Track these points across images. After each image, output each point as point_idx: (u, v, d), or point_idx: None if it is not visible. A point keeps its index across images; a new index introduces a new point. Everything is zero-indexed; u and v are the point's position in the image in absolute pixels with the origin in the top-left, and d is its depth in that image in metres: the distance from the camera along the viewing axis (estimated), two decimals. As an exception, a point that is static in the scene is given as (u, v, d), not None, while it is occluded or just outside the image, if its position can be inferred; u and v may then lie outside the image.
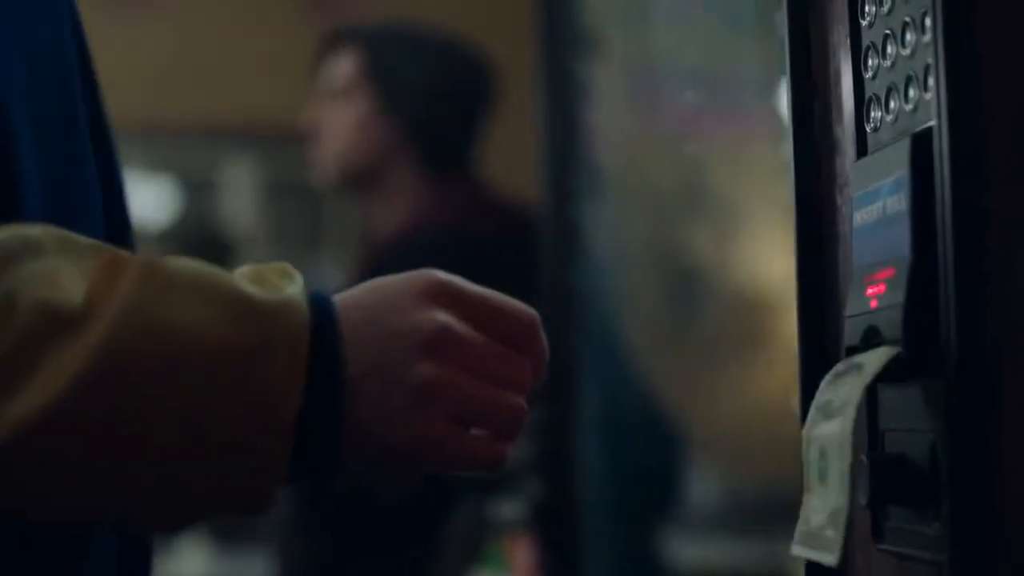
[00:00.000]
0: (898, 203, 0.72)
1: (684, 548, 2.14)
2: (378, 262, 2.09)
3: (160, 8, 5.32)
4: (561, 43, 2.05)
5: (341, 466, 0.78)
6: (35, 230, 0.76)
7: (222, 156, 5.73)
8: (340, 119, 2.19)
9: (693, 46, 2.10)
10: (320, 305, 0.78)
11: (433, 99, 2.20)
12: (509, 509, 1.98)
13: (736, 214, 2.11)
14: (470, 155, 2.24)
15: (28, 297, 0.72)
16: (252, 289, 0.76)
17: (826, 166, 0.85)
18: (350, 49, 2.22)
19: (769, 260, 2.02)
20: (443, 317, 0.78)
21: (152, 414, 0.73)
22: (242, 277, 0.77)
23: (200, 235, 4.89)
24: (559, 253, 2.01)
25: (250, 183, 5.71)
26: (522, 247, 2.07)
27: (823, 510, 0.70)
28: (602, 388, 2.04)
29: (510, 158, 2.24)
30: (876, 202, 0.75)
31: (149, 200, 5.36)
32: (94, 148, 0.90)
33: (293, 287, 0.77)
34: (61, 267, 0.74)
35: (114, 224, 0.91)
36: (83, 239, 0.77)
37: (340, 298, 0.80)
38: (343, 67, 2.22)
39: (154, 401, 0.73)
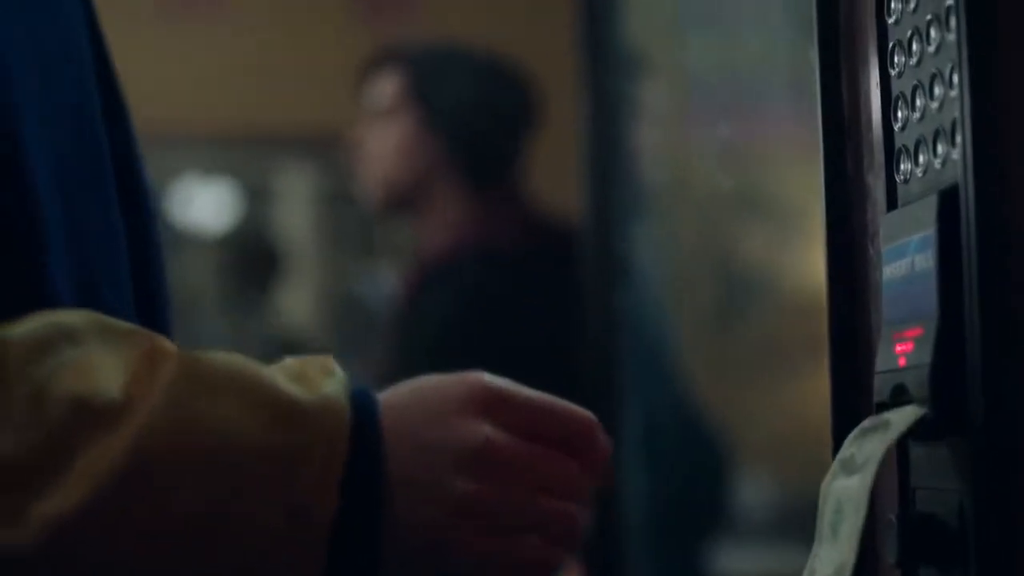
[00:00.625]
0: (926, 260, 0.72)
1: (734, 560, 2.14)
2: (424, 281, 2.10)
3: (220, 16, 5.35)
4: (604, 60, 2.05)
5: (379, 568, 0.76)
6: (72, 316, 0.75)
7: (278, 163, 5.76)
8: (384, 138, 2.20)
9: (736, 59, 2.10)
10: (362, 404, 0.76)
11: (477, 117, 2.21)
12: None
13: (783, 226, 2.11)
14: (514, 173, 2.25)
15: (63, 389, 0.71)
16: (292, 388, 0.74)
17: (858, 214, 0.85)
18: (394, 68, 2.23)
19: (815, 269, 2.01)
20: (487, 429, 0.77)
21: (185, 515, 0.72)
22: (282, 372, 0.76)
23: (255, 243, 4.91)
24: (602, 270, 2.01)
25: (306, 191, 5.74)
26: (566, 265, 2.08)
27: (830, 564, 0.70)
28: (647, 406, 2.04)
29: (554, 176, 2.25)
30: (905, 257, 0.74)
31: (208, 206, 5.40)
32: (120, 166, 0.88)
33: (334, 384, 0.76)
34: (98, 357, 0.73)
35: (142, 264, 0.89)
36: (121, 325, 0.76)
37: (384, 397, 0.78)
38: (387, 86, 2.23)
39: (187, 502, 0.72)
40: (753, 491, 2.21)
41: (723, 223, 2.17)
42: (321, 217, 5.74)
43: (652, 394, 2.07)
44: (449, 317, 2.06)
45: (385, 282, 4.42)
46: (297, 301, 5.43)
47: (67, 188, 0.81)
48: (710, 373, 2.20)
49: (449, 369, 2.01)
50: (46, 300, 0.76)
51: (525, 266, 2.11)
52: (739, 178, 2.15)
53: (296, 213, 5.72)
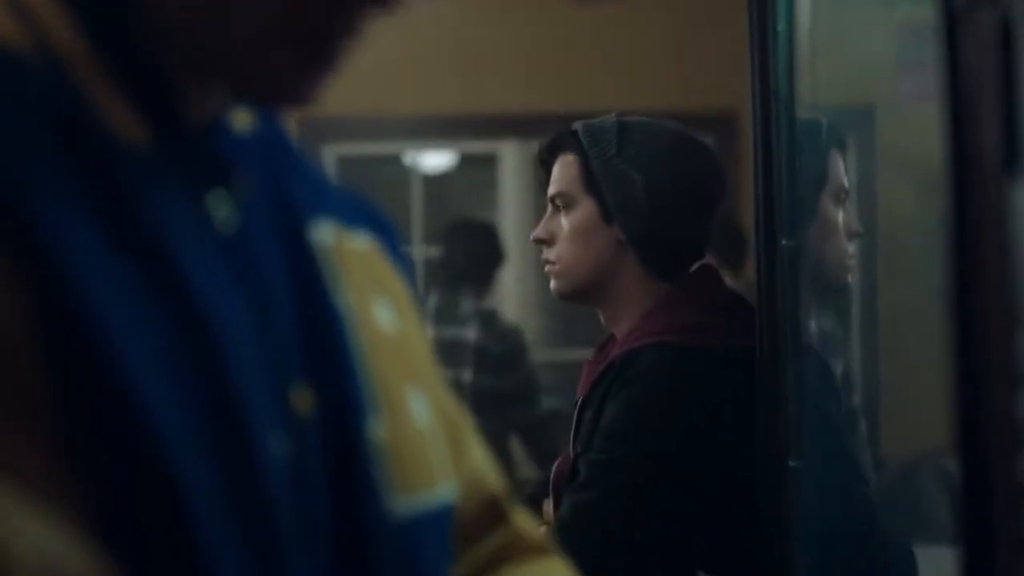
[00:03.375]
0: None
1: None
2: (608, 370, 2.03)
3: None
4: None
5: None
6: None
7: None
8: (566, 228, 2.13)
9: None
10: None
11: (663, 203, 2.10)
12: None
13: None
14: (700, 256, 2.14)
15: None
16: None
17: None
18: (572, 152, 2.15)
19: None
20: None
21: None
22: None
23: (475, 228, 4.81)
24: (776, 352, 1.93)
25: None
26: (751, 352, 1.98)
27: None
28: (825, 501, 1.97)
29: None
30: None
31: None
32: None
33: None
34: None
35: None
36: None
37: None
38: (566, 173, 2.15)
39: None
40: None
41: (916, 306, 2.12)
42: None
43: (832, 477, 1.99)
44: (631, 409, 1.98)
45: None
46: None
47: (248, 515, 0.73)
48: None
49: (622, 457, 1.95)
50: None
51: (716, 357, 2.01)
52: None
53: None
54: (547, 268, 2.15)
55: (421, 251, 5.92)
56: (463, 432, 0.98)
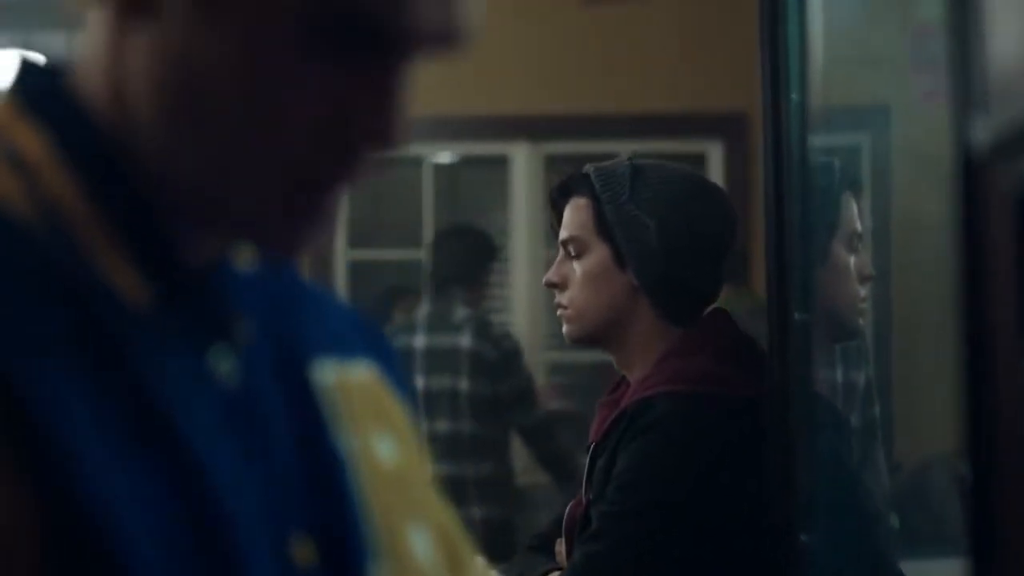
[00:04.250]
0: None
1: None
2: (620, 418, 2.02)
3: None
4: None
5: None
6: None
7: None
8: (579, 273, 2.10)
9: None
10: None
11: (676, 248, 2.08)
12: None
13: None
14: (711, 302, 2.12)
15: None
16: None
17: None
18: (583, 195, 2.12)
19: None
20: None
21: None
22: None
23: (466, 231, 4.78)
24: (787, 428, 1.91)
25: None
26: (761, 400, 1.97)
27: None
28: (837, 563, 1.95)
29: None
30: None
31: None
32: None
33: None
34: None
35: None
36: None
37: None
38: (577, 218, 2.12)
39: None
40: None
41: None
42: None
43: (846, 543, 1.98)
44: (644, 460, 1.97)
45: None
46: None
47: None
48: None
49: (634, 507, 1.96)
50: None
51: (727, 411, 1.99)
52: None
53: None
54: (559, 312, 2.14)
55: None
56: (464, 556, 1.00)
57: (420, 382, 4.24)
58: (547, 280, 2.15)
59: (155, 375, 0.76)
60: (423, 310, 4.37)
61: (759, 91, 2.02)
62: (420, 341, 4.28)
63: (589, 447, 2.11)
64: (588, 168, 2.14)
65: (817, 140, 2.02)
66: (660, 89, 5.72)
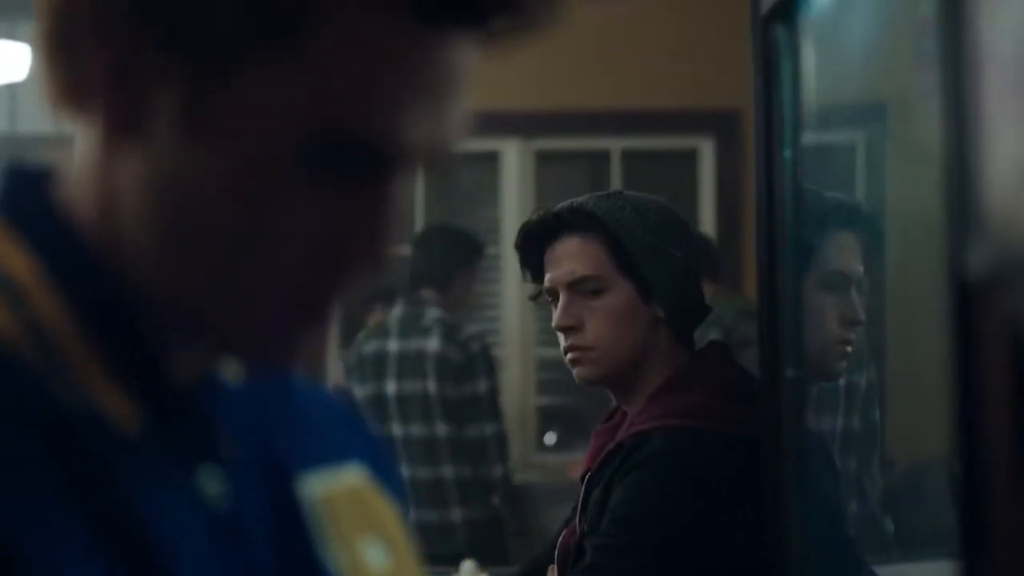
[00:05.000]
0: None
1: None
2: (620, 455, 2.00)
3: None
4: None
5: None
6: None
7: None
8: (604, 311, 2.07)
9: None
10: None
11: (684, 280, 2.09)
12: None
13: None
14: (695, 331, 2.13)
15: None
16: None
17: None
18: (592, 232, 2.07)
19: None
20: None
21: None
22: None
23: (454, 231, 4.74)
24: (780, 492, 1.88)
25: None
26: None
27: None
28: None
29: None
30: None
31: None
32: None
33: None
34: None
35: None
36: None
37: None
38: (590, 258, 2.07)
39: None
40: None
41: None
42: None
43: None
44: (639, 494, 1.96)
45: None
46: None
47: None
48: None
49: (629, 542, 1.96)
50: None
51: (723, 446, 1.98)
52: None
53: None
54: (575, 355, 2.07)
55: (422, 249, 5.91)
56: None
57: (392, 386, 4.23)
58: (561, 325, 2.07)
59: (145, 503, 0.77)
60: (396, 312, 4.33)
61: (752, 88, 2.01)
62: (393, 345, 4.25)
63: (583, 475, 2.09)
64: (582, 206, 2.09)
65: (811, 138, 2.00)
66: (652, 85, 5.71)
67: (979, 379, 0.93)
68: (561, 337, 2.09)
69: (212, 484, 0.81)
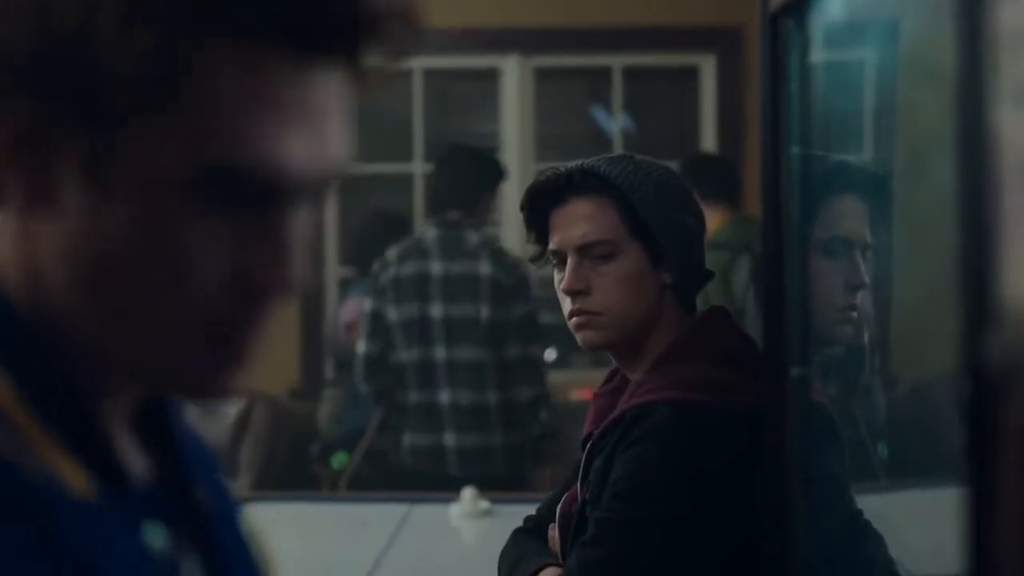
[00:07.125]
0: None
1: None
2: (622, 426, 1.98)
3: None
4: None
5: None
6: None
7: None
8: (615, 275, 2.04)
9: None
10: None
11: (691, 243, 2.07)
12: None
13: None
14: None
15: None
16: None
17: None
18: (601, 195, 2.04)
19: None
20: None
21: None
22: None
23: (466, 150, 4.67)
24: (784, 488, 1.81)
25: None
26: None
27: None
28: None
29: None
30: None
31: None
32: None
33: None
34: None
35: None
36: None
37: None
38: (604, 219, 2.04)
39: None
40: None
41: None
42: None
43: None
44: (641, 469, 1.93)
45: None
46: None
47: None
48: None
49: (632, 518, 1.94)
50: None
51: (726, 421, 1.95)
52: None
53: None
54: (582, 319, 2.04)
55: (420, 167, 5.88)
56: None
57: (439, 309, 4.22)
58: (571, 288, 2.04)
59: (103, 560, 0.82)
60: (431, 234, 4.30)
61: (755, 4, 1.98)
62: (436, 267, 4.24)
63: (584, 440, 2.08)
64: (593, 168, 2.06)
65: (819, 56, 1.97)
66: (653, 1, 5.66)
67: (995, 483, 0.91)
68: (567, 301, 2.06)
69: (157, 539, 0.87)
